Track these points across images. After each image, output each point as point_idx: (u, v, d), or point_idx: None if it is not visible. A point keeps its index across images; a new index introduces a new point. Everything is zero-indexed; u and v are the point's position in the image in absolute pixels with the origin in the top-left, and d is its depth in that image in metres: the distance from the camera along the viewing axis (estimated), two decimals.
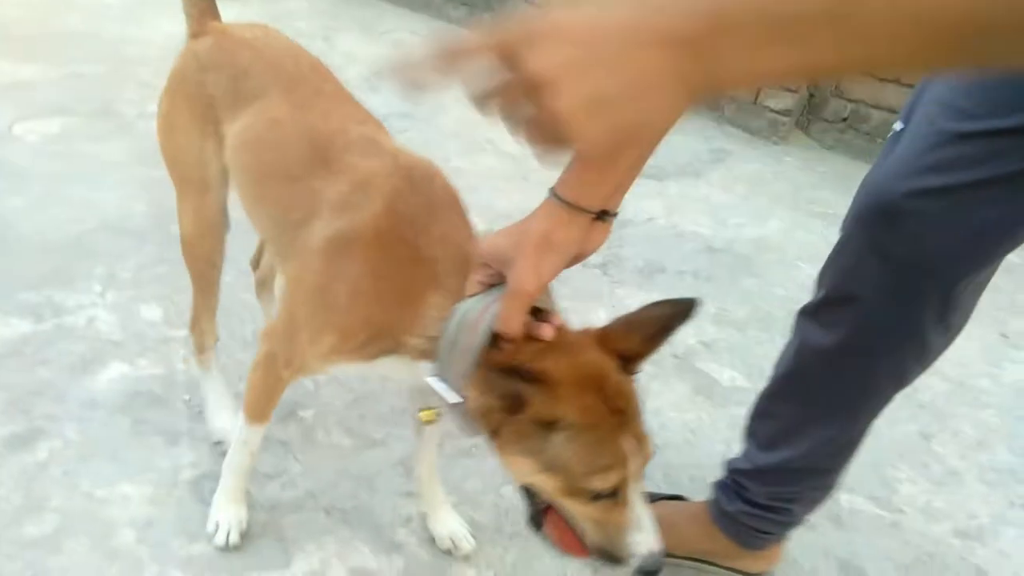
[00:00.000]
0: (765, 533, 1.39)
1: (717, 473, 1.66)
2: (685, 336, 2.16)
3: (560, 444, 0.90)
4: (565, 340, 0.96)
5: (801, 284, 2.49)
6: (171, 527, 1.40)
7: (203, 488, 1.48)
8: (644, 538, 0.95)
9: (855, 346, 1.17)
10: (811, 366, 1.25)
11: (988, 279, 1.14)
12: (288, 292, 1.25)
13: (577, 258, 0.91)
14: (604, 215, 0.90)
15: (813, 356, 1.24)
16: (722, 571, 1.47)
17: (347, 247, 1.09)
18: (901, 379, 1.19)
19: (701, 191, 3.07)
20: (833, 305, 1.19)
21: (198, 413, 1.64)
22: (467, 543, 1.43)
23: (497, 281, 0.94)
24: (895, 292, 1.10)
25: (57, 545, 1.33)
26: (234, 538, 1.36)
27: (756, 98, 3.61)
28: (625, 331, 0.98)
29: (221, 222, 1.46)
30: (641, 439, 0.94)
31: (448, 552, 1.43)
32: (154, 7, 3.97)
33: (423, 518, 1.47)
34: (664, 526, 1.37)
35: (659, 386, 1.96)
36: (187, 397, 1.69)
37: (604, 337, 0.98)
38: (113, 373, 1.72)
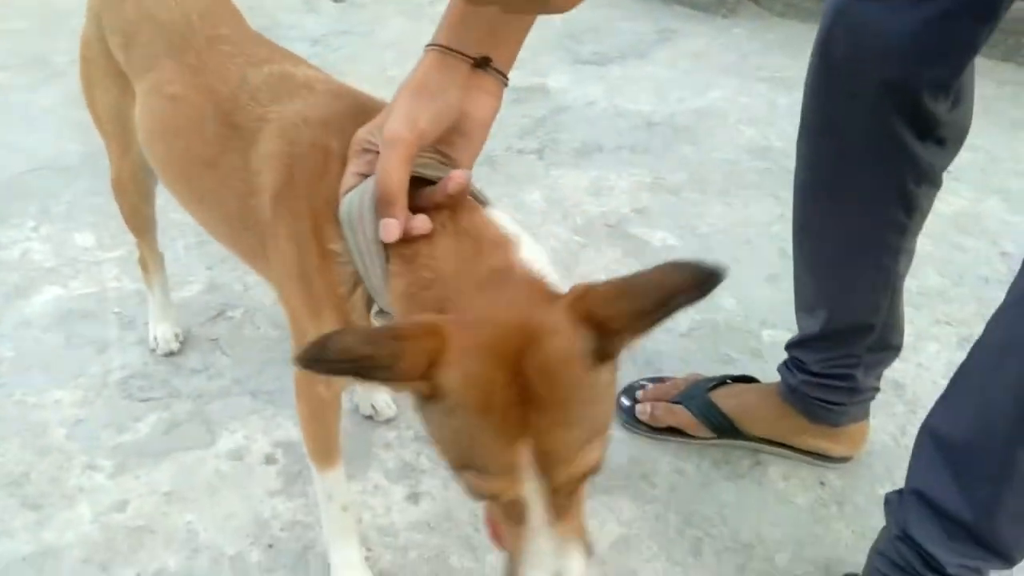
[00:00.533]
0: (834, 404, 1.35)
1: None
2: (619, 205, 2.17)
3: (437, 417, 0.66)
4: (500, 274, 0.71)
5: (741, 146, 2.48)
6: (100, 423, 1.46)
7: (131, 386, 1.54)
8: None
9: (836, 169, 1.15)
10: (808, 199, 1.24)
11: (964, 94, 1.08)
12: (280, 299, 1.03)
13: (465, 121, 0.81)
14: (485, 64, 0.81)
15: (807, 189, 1.23)
16: (800, 454, 1.43)
17: (284, 205, 0.91)
18: (906, 201, 1.14)
19: (645, 71, 3.03)
20: (809, 131, 1.18)
21: (128, 322, 1.69)
22: (389, 409, 1.48)
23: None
24: (850, 104, 1.07)
25: None
26: None
27: None
28: (615, 294, 0.64)
29: (145, 178, 1.41)
30: (549, 456, 0.62)
31: (370, 418, 1.48)
32: None
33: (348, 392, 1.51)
34: (738, 408, 1.43)
35: (590, 253, 1.98)
36: (118, 310, 1.73)
37: (583, 296, 0.65)
38: (47, 296, 1.77)
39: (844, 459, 1.43)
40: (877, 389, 1.39)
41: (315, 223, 0.85)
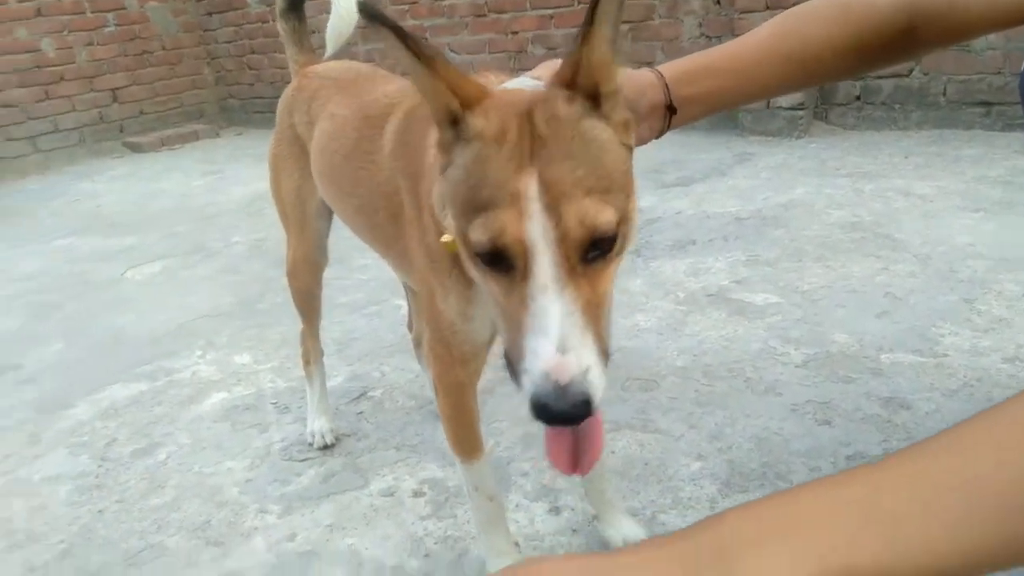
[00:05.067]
0: None
1: (756, 366, 1.77)
2: (717, 279, 2.29)
3: (458, 159, 0.75)
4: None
5: (831, 224, 2.58)
6: (266, 480, 1.61)
7: (292, 452, 1.70)
8: (540, 345, 0.64)
9: None
10: None
11: None
12: (412, 278, 1.21)
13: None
14: (672, 110, 1.05)
15: None
16: None
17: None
18: None
19: (727, 184, 3.24)
20: None
21: (284, 409, 1.89)
22: None
23: None
24: None
25: (176, 506, 1.56)
26: None
27: (768, 104, 3.81)
28: (575, 58, 0.74)
29: (318, 258, 1.60)
30: (553, 186, 0.67)
31: None
32: (230, 180, 4.60)
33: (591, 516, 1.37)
34: None
35: (696, 317, 2.08)
36: (275, 401, 1.94)
37: (557, 72, 0.77)
38: (214, 400, 2.00)
39: None
40: None
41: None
